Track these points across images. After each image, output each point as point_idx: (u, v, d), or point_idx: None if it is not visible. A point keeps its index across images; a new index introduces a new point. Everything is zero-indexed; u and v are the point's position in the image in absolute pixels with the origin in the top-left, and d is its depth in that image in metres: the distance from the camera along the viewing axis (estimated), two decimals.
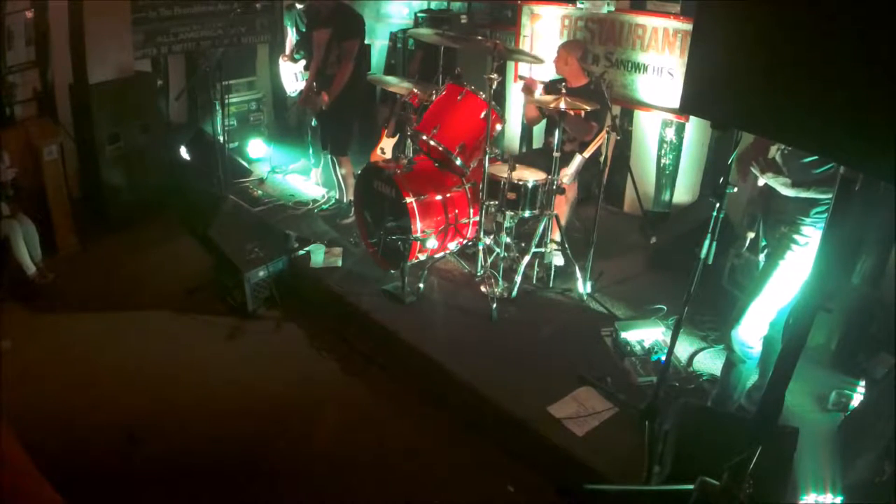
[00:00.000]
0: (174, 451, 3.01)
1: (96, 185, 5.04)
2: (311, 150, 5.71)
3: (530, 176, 3.90)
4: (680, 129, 4.83)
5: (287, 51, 5.56)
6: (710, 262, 2.66)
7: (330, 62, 4.68)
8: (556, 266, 4.11)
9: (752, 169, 2.66)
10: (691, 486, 2.08)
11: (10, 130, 4.49)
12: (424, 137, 3.93)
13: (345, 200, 5.09)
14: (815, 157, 2.48)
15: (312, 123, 5.34)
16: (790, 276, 2.64)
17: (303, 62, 5.25)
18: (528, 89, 4.20)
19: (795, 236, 2.63)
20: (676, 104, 4.45)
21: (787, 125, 1.57)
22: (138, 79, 5.20)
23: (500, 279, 3.95)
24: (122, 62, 5.02)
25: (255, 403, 3.34)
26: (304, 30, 5.29)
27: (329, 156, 5.05)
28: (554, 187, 3.84)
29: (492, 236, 4.06)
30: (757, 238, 2.95)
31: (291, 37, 5.65)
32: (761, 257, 2.90)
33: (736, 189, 2.63)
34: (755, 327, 2.77)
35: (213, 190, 5.10)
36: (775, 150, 2.65)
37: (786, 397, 1.92)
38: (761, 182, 2.72)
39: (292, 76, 5.49)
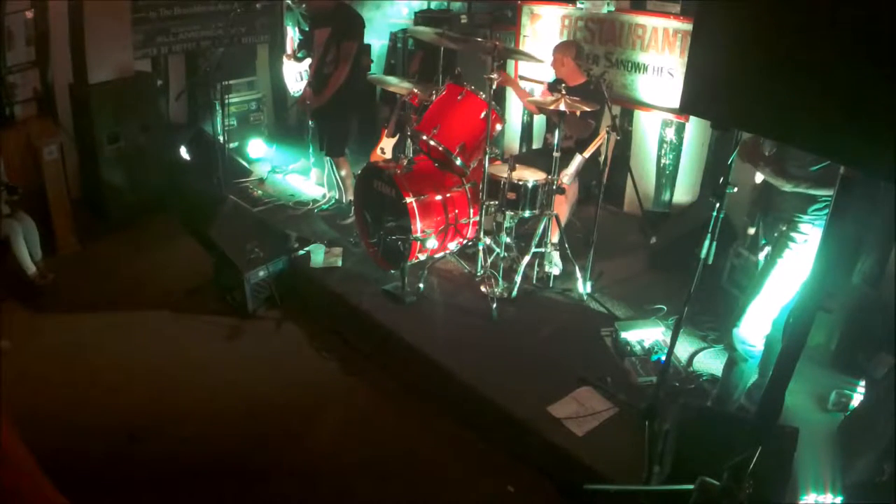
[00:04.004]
0: (174, 451, 3.01)
1: (96, 185, 5.04)
2: (311, 150, 5.71)
3: (530, 176, 3.90)
4: (680, 129, 4.83)
5: (289, 50, 5.56)
6: (710, 262, 2.67)
7: (327, 62, 4.68)
8: (551, 275, 4.11)
9: (745, 160, 2.66)
10: (691, 486, 2.08)
11: (10, 130, 4.49)
12: (424, 137, 3.93)
13: (345, 200, 5.09)
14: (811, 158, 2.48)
15: (310, 124, 5.34)
16: (789, 274, 2.64)
17: (307, 61, 5.25)
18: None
19: (793, 234, 2.64)
20: (676, 104, 4.45)
21: (787, 125, 1.57)
22: (138, 79, 5.20)
23: (500, 279, 3.95)
24: (122, 62, 5.02)
25: (255, 403, 3.33)
26: (306, 29, 5.29)
27: (326, 157, 5.05)
28: (554, 187, 3.84)
29: (492, 236, 4.07)
30: (757, 235, 2.95)
31: (293, 36, 5.66)
32: (761, 256, 2.90)
33: (736, 189, 2.63)
34: (756, 326, 2.77)
35: (213, 190, 5.10)
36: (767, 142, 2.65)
37: (786, 397, 1.92)
38: (759, 179, 2.72)
39: (294, 76, 5.49)
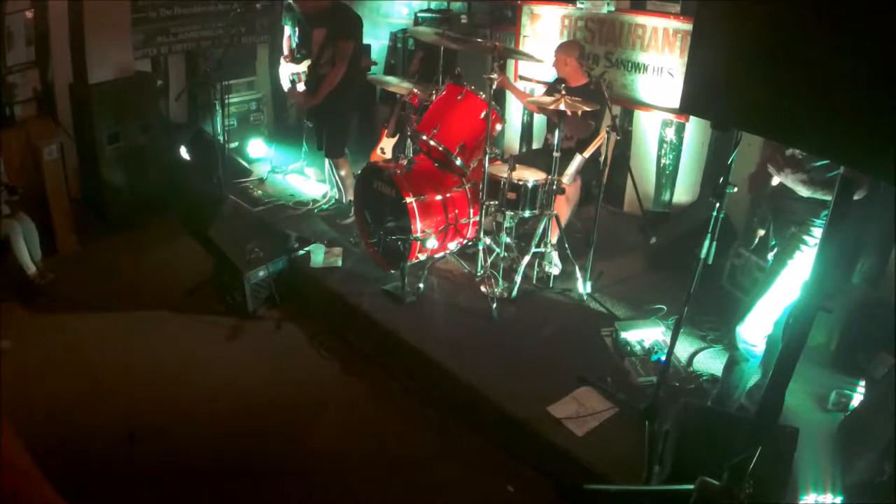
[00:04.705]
0: (174, 451, 3.01)
1: (96, 185, 5.04)
2: (304, 149, 5.71)
3: (530, 176, 3.90)
4: (680, 129, 4.83)
5: (286, 51, 5.54)
6: (710, 262, 2.67)
7: (322, 62, 4.67)
8: (551, 275, 4.11)
9: (769, 168, 2.66)
10: (691, 486, 2.08)
11: (10, 130, 4.48)
12: (424, 137, 3.93)
13: (345, 200, 5.08)
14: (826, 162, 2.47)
15: (308, 124, 5.33)
16: (798, 276, 2.64)
17: (307, 62, 5.22)
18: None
19: (805, 237, 2.64)
20: (676, 104, 4.45)
21: (787, 125, 1.57)
22: (138, 79, 5.20)
23: (500, 279, 3.95)
24: (122, 62, 5.02)
25: (255, 403, 3.33)
26: (308, 28, 5.26)
27: (325, 157, 5.05)
28: (554, 187, 3.84)
29: (492, 236, 4.07)
30: (766, 237, 2.95)
31: (290, 35, 5.63)
32: (770, 256, 2.90)
33: (736, 189, 2.64)
34: (759, 325, 2.78)
35: (213, 190, 5.10)
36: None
37: (786, 397, 1.92)
38: (775, 181, 2.71)
39: (288, 76, 5.42)
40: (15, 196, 4.05)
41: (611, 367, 3.39)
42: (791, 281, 2.67)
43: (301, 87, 5.09)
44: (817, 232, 2.61)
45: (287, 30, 5.54)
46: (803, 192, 2.58)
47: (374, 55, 6.44)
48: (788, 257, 2.69)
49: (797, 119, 1.52)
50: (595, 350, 3.55)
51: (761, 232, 3.04)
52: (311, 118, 5.04)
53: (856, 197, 2.28)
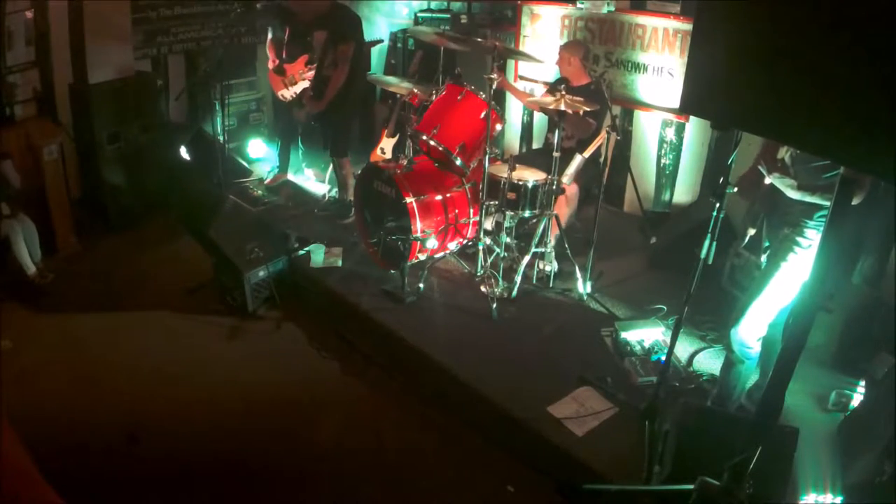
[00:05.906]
0: (174, 451, 3.01)
1: (96, 185, 5.03)
2: (277, 155, 5.64)
3: (530, 176, 3.91)
4: (680, 129, 4.83)
5: (272, 59, 5.34)
6: (710, 262, 2.67)
7: (326, 64, 4.66)
8: (547, 272, 4.10)
9: (760, 168, 2.67)
10: (691, 486, 2.08)
11: (10, 130, 4.48)
12: (424, 137, 3.93)
13: (346, 200, 5.08)
14: (826, 162, 2.47)
15: (313, 123, 5.29)
16: (791, 277, 2.64)
17: (302, 83, 5.09)
18: None
19: (798, 238, 2.64)
20: (676, 104, 4.45)
21: (787, 125, 1.57)
22: (138, 79, 5.19)
23: (500, 279, 3.95)
24: (122, 62, 5.01)
25: (255, 403, 3.33)
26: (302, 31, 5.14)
27: (331, 157, 5.04)
28: (554, 187, 3.84)
29: (492, 236, 4.07)
30: (758, 237, 2.95)
31: (273, 41, 5.46)
32: (763, 257, 2.90)
33: (736, 189, 2.64)
34: (755, 327, 2.77)
35: (213, 190, 5.09)
36: (784, 150, 2.65)
37: (786, 397, 1.92)
38: (767, 181, 2.72)
39: (290, 93, 5.25)
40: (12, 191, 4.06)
41: (611, 367, 3.38)
42: (784, 283, 2.67)
43: (299, 88, 5.05)
44: (810, 233, 2.61)
45: (269, 34, 5.36)
46: (792, 195, 2.59)
47: (374, 55, 6.44)
48: (782, 259, 2.69)
49: (797, 119, 1.52)
50: (595, 350, 3.55)
51: (752, 231, 3.04)
52: (316, 119, 5.04)
53: (854, 202, 2.28)
